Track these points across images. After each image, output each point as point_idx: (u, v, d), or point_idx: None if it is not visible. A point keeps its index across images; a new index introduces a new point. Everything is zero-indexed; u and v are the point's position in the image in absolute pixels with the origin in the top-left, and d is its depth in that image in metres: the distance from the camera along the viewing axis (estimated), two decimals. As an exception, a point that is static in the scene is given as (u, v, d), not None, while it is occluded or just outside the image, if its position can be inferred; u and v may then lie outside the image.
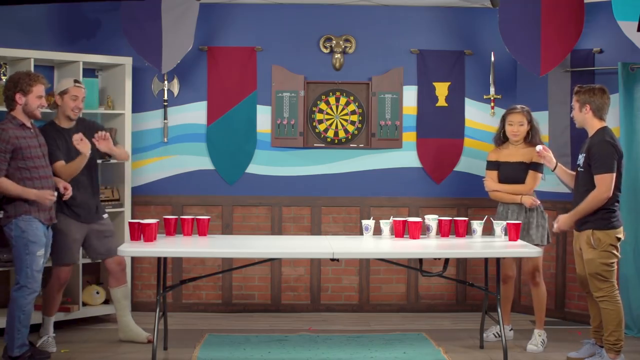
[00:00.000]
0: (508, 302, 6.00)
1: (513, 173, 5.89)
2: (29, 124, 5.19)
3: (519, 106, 5.96)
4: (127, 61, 6.50)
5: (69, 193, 5.44)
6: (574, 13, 6.29)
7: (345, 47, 6.97)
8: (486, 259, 5.70)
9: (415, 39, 7.01)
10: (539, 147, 5.60)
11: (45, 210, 5.16)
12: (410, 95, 7.02)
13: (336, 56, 6.96)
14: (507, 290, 5.97)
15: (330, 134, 7.00)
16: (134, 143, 6.71)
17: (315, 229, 6.98)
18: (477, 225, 5.59)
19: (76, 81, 5.68)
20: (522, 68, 6.76)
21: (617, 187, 5.20)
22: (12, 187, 5.05)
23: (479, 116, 7.06)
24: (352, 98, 7.01)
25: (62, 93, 5.62)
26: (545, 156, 5.57)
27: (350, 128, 7.01)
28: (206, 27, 6.85)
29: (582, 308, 6.37)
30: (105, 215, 5.89)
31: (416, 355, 5.54)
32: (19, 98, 5.09)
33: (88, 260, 6.20)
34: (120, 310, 5.85)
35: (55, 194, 5.23)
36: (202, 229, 5.48)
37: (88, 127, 5.77)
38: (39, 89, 5.13)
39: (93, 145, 5.60)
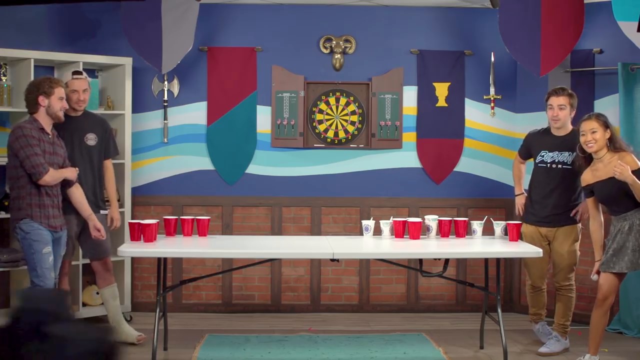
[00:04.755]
0: (601, 330, 5.21)
1: (609, 192, 5.12)
2: (48, 130, 5.19)
3: (593, 114, 5.29)
4: (127, 61, 6.50)
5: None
6: (574, 13, 6.29)
7: (345, 47, 6.97)
8: (486, 259, 5.70)
9: (415, 39, 7.01)
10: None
11: (48, 216, 5.12)
12: (410, 96, 7.02)
13: (336, 56, 6.96)
14: (604, 316, 5.19)
15: (330, 134, 7.00)
16: (134, 143, 6.71)
17: (315, 229, 6.98)
18: (477, 226, 5.59)
19: (74, 72, 5.71)
20: (522, 68, 6.76)
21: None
22: (60, 173, 5.19)
23: (479, 116, 7.06)
24: (352, 98, 7.01)
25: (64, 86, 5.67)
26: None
27: (350, 128, 7.01)
28: (206, 27, 6.85)
29: (582, 308, 6.36)
30: (104, 212, 5.87)
31: (416, 355, 5.54)
32: (42, 100, 5.13)
33: (88, 261, 6.20)
34: (109, 311, 5.82)
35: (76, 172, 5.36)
36: (202, 230, 5.47)
37: (95, 120, 5.83)
38: (60, 91, 5.20)
39: (101, 140, 5.74)
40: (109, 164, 5.88)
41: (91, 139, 5.75)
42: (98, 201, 5.80)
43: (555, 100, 5.67)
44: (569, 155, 5.65)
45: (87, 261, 6.17)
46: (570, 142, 5.63)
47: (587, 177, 5.22)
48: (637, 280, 6.19)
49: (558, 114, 5.64)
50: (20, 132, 5.05)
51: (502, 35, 6.45)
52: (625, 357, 5.47)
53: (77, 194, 5.42)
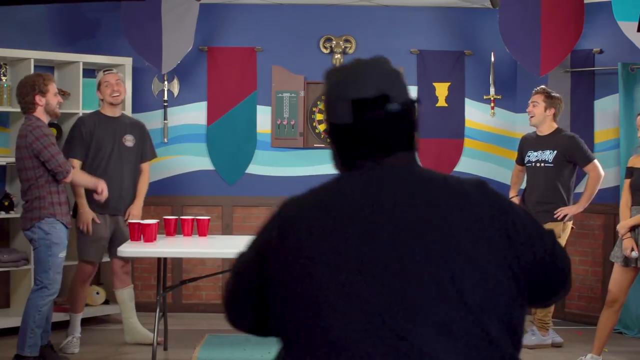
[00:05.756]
0: (608, 330, 5.25)
1: None
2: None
3: None
4: (127, 61, 6.50)
5: (103, 195, 5.35)
6: (574, 13, 6.29)
7: (345, 47, 6.97)
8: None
9: (415, 39, 7.01)
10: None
11: (66, 214, 5.15)
12: (410, 96, 7.01)
13: (336, 56, 6.96)
14: (612, 316, 5.24)
15: (330, 134, 6.99)
16: (134, 143, 6.71)
17: (315, 229, 6.96)
18: (477, 226, 5.58)
19: (105, 70, 5.79)
20: (522, 68, 6.76)
21: None
22: (84, 179, 5.32)
23: (479, 116, 7.06)
24: (352, 98, 7.00)
25: (98, 86, 5.73)
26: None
27: (350, 128, 7.00)
28: (206, 27, 6.85)
29: (582, 308, 6.36)
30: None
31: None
32: (39, 99, 5.07)
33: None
34: (126, 312, 5.81)
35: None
36: (202, 230, 5.47)
37: (133, 122, 5.91)
38: (54, 87, 5.14)
39: (139, 142, 5.78)
40: (146, 167, 5.88)
41: (129, 141, 5.76)
42: (127, 202, 5.79)
43: (531, 98, 5.85)
44: (550, 153, 5.73)
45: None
46: (552, 141, 5.74)
47: (636, 160, 5.29)
48: (637, 280, 6.19)
49: (531, 110, 5.79)
50: (40, 131, 4.99)
51: (502, 35, 6.45)
52: (625, 357, 5.47)
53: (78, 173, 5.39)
